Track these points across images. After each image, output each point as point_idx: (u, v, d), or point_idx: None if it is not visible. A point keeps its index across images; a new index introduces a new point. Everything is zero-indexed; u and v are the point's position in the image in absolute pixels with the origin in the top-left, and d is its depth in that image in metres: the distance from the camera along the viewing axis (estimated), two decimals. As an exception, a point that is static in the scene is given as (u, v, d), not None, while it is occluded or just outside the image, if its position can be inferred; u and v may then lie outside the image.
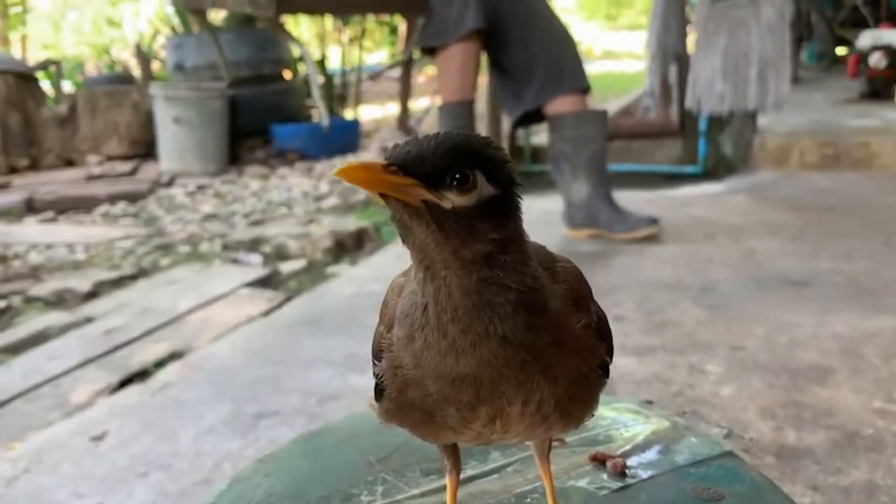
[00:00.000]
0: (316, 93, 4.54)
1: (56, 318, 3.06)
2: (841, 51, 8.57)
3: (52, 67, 7.18)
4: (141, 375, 2.52)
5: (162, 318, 2.99)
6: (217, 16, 6.76)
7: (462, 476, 0.66)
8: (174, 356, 2.65)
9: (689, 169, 4.80)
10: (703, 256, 3.26)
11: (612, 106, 6.62)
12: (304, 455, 0.76)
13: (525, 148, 5.18)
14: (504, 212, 0.57)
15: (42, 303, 3.27)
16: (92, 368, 2.59)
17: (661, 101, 5.06)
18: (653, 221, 3.47)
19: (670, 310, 2.72)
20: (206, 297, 3.19)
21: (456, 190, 0.55)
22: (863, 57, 6.35)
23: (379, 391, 0.64)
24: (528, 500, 0.69)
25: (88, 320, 3.02)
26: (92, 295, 3.35)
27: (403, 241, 0.58)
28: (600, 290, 2.98)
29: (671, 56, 4.94)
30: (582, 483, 0.70)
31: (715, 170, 4.81)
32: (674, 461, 0.73)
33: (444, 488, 0.66)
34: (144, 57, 7.16)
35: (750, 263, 3.15)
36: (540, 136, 4.90)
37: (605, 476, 0.72)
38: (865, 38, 6.43)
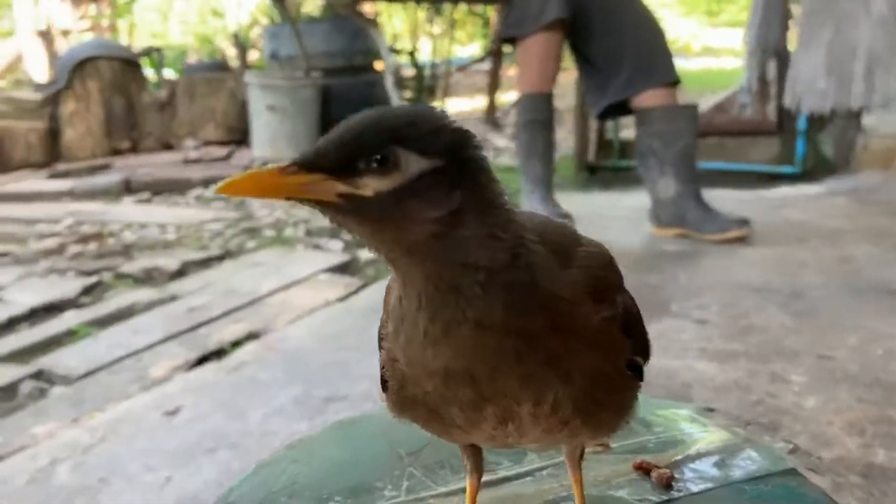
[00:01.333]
0: (389, 81, 4.53)
1: (143, 294, 3.17)
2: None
3: (155, 54, 7.46)
4: (218, 354, 2.58)
5: (243, 299, 3.06)
6: (313, 5, 6.87)
7: (494, 477, 0.62)
8: (251, 336, 2.70)
9: (786, 169, 4.59)
10: (795, 260, 3.10)
11: (708, 102, 6.39)
12: (334, 443, 0.74)
13: (614, 142, 5.06)
14: (450, 183, 0.50)
15: (131, 279, 3.39)
16: (173, 345, 2.67)
17: (758, 98, 4.84)
18: (743, 222, 3.32)
19: (756, 315, 2.59)
20: (287, 281, 3.24)
21: (376, 174, 0.49)
22: None
23: (384, 382, 0.60)
24: (562, 506, 0.64)
25: (173, 298, 3.12)
26: (179, 274, 3.45)
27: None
28: (684, 292, 2.88)
29: (771, 51, 4.71)
30: (621, 493, 0.65)
31: (813, 171, 4.58)
32: (728, 476, 0.67)
33: (472, 488, 0.63)
34: (242, 46, 7.35)
35: (846, 270, 2.98)
36: (629, 130, 4.77)
37: (648, 487, 0.67)
38: None
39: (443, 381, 0.53)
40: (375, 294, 3.03)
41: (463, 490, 0.65)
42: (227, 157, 6.10)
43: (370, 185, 0.49)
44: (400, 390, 0.57)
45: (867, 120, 4.73)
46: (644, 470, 0.69)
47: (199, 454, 1.95)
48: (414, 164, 0.50)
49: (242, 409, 2.17)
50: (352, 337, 2.63)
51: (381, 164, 0.50)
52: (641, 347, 0.59)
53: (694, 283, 2.91)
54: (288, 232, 4.10)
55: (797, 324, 2.50)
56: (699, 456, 0.71)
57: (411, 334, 0.52)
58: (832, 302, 2.66)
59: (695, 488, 0.67)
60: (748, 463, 0.69)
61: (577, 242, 0.58)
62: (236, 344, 2.65)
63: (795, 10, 4.66)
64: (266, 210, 4.61)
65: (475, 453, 0.63)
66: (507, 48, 5.04)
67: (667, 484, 0.67)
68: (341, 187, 0.49)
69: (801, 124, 4.56)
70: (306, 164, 0.50)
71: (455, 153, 0.51)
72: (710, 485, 0.67)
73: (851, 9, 4.08)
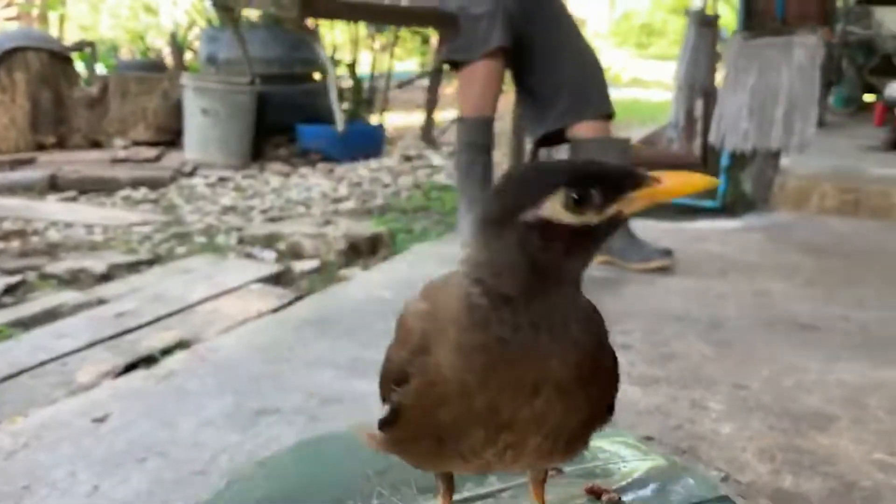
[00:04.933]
0: (333, 95, 4.57)
1: (69, 297, 3.09)
2: (869, 98, 8.52)
3: (87, 49, 7.27)
4: (147, 361, 2.54)
5: (173, 305, 3.02)
6: (253, 12, 6.82)
7: (458, 498, 0.67)
8: (181, 345, 2.67)
9: (707, 203, 4.79)
10: (714, 292, 3.25)
11: (636, 134, 6.62)
12: (305, 461, 0.77)
13: (546, 168, 5.18)
14: None
15: (56, 281, 3.31)
16: (99, 350, 2.62)
17: (685, 134, 5.07)
18: (667, 253, 3.47)
19: (677, 343, 2.71)
20: (218, 289, 3.21)
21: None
22: (890, 106, 6.33)
23: (387, 421, 0.64)
24: (520, 525, 0.70)
25: (100, 302, 3.06)
26: (106, 277, 3.39)
27: (588, 256, 0.62)
28: (609, 318, 2.96)
29: (698, 90, 4.94)
30: (575, 514, 0.71)
31: (733, 206, 4.79)
32: (669, 501, 0.74)
33: (437, 507, 0.67)
34: (178, 46, 7.23)
35: (761, 303, 3.14)
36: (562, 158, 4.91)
37: (599, 509, 0.73)
38: (894, 88, 6.41)
39: (510, 396, 0.59)
40: (309, 307, 3.04)
41: (428, 508, 0.69)
42: (157, 159, 5.99)
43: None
44: (422, 419, 0.62)
45: (784, 161, 5.00)
46: (595, 494, 0.75)
47: (128, 462, 1.93)
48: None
49: (172, 419, 2.15)
50: (284, 349, 2.63)
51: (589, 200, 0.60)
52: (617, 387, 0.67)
53: (618, 309, 3.02)
54: (220, 239, 4.06)
55: (715, 353, 2.63)
56: (642, 481, 0.78)
57: (531, 341, 0.59)
58: (748, 334, 2.81)
59: (638, 511, 0.73)
60: (686, 489, 0.76)
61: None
62: (166, 352, 2.62)
63: (723, 51, 4.90)
64: (197, 216, 4.55)
65: (450, 477, 0.68)
66: (446, 67, 5.12)
67: (615, 506, 0.74)
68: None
69: (724, 161, 4.77)
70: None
71: None
72: (652, 508, 0.74)
73: (774, 56, 4.32)
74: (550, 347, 0.58)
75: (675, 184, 0.58)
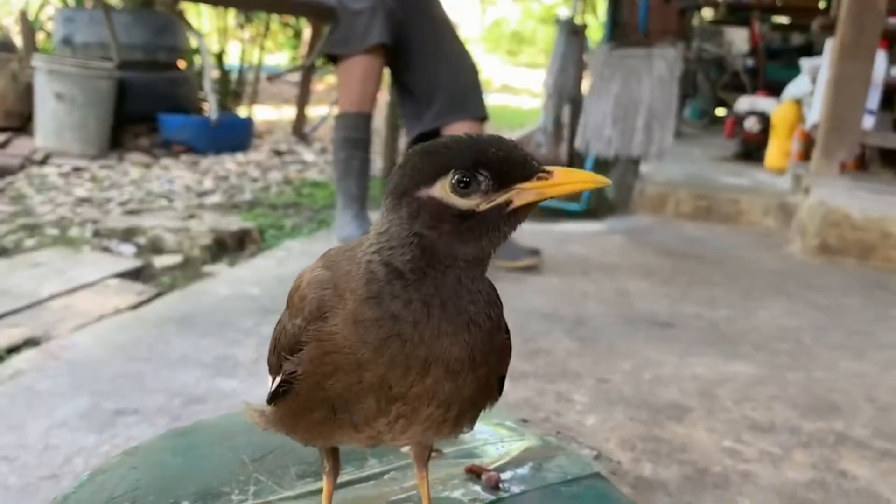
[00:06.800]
0: (208, 85, 4.42)
1: None
2: (720, 111, 9.11)
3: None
4: (-10, 360, 2.36)
5: (20, 301, 2.82)
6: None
7: (338, 481, 0.66)
8: (30, 343, 2.50)
9: (572, 206, 4.96)
10: (578, 291, 3.37)
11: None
12: (174, 451, 0.73)
13: (418, 168, 5.21)
14: None
15: None
16: (-65, 348, 2.41)
17: (552, 139, 5.23)
18: (535, 253, 3.56)
19: (544, 339, 2.79)
20: (72, 285, 3.02)
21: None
22: (739, 120, 6.77)
23: (277, 392, 0.62)
24: (403, 507, 0.69)
25: (-64, 296, 2.81)
26: (-58, 270, 3.12)
27: (493, 242, 0.62)
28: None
29: (566, 97, 5.12)
30: (456, 494, 0.71)
31: (596, 210, 4.99)
32: (545, 479, 0.76)
33: (318, 491, 0.65)
34: (29, 25, 6.76)
35: (622, 301, 3.28)
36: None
37: (479, 488, 0.73)
38: (743, 103, 6.86)
39: (401, 373, 0.59)
40: (171, 304, 2.92)
41: (309, 493, 0.67)
42: (4, 145, 5.57)
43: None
44: (314, 389, 0.60)
45: (644, 167, 5.25)
46: (475, 473, 0.76)
47: (-31, 468, 1.78)
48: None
49: (20, 422, 2.01)
50: (144, 348, 2.51)
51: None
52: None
53: (489, 306, 3.07)
54: (73, 231, 3.82)
55: (580, 349, 2.72)
56: (519, 461, 0.79)
57: (423, 319, 0.59)
58: (610, 330, 2.92)
59: (517, 489, 0.74)
60: (561, 468, 0.78)
61: None
62: (12, 350, 2.44)
63: (590, 61, 5.09)
64: (48, 207, 4.27)
65: (335, 455, 0.66)
66: (318, 62, 5.05)
67: (495, 485, 0.74)
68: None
69: (589, 166, 4.95)
70: None
71: None
72: (530, 486, 0.75)
73: (637, 67, 4.53)
74: (442, 327, 0.58)
75: (565, 179, 0.59)
